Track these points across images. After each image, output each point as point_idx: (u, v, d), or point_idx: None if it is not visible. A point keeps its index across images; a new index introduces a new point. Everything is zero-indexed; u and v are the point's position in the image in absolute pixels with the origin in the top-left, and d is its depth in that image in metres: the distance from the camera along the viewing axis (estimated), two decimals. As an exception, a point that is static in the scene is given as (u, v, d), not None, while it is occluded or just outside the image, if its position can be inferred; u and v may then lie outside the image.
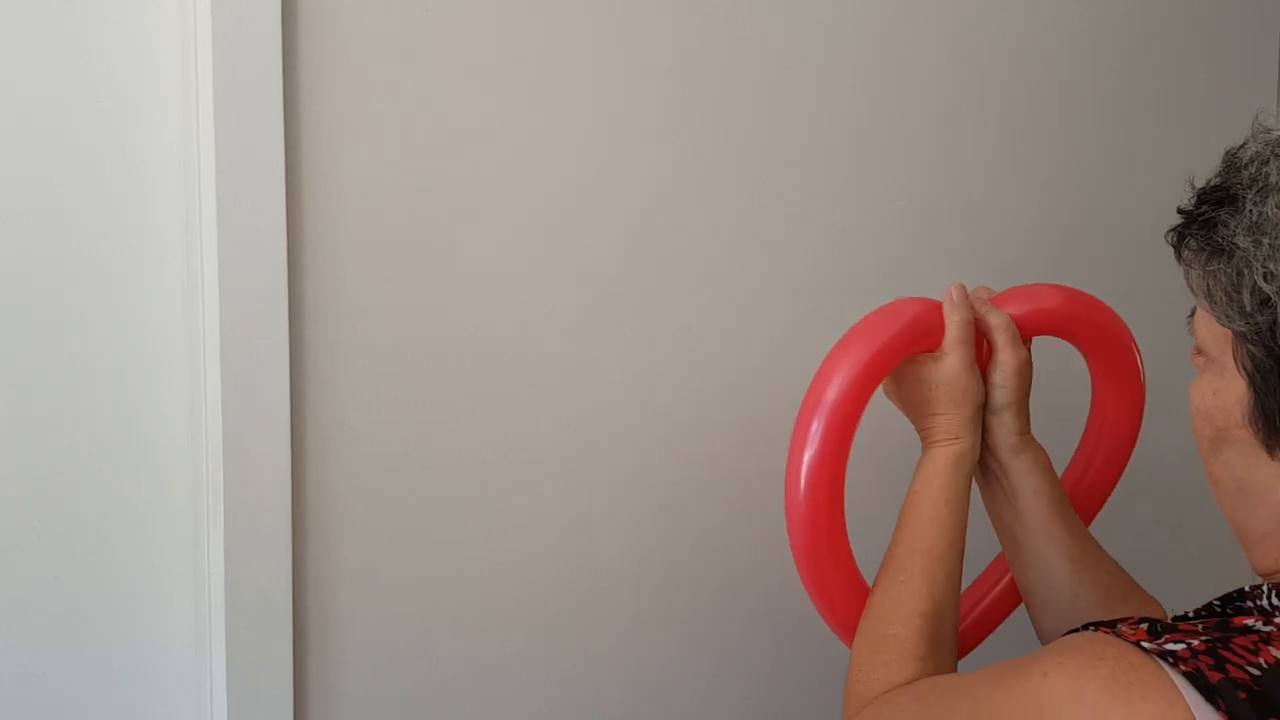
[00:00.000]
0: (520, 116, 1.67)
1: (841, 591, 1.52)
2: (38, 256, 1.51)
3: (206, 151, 1.51)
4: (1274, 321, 1.16)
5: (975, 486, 1.58)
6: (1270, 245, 1.16)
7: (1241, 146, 1.23)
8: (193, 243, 1.55)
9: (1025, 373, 1.55)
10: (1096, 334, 1.61)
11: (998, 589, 1.66)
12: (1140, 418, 1.64)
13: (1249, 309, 1.17)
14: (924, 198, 1.90)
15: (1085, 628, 1.22)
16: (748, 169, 1.79)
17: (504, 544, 1.71)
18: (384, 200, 1.61)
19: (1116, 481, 1.66)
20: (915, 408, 1.55)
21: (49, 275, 1.52)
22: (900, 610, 1.45)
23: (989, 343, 1.55)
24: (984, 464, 1.57)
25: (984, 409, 1.54)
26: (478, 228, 1.66)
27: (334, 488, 1.61)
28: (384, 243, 1.61)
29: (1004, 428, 1.55)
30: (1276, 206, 1.16)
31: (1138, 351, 1.62)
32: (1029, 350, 1.56)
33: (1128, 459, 1.65)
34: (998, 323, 1.55)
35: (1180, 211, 1.25)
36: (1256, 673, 1.11)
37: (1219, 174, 1.23)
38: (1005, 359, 1.54)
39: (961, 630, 1.61)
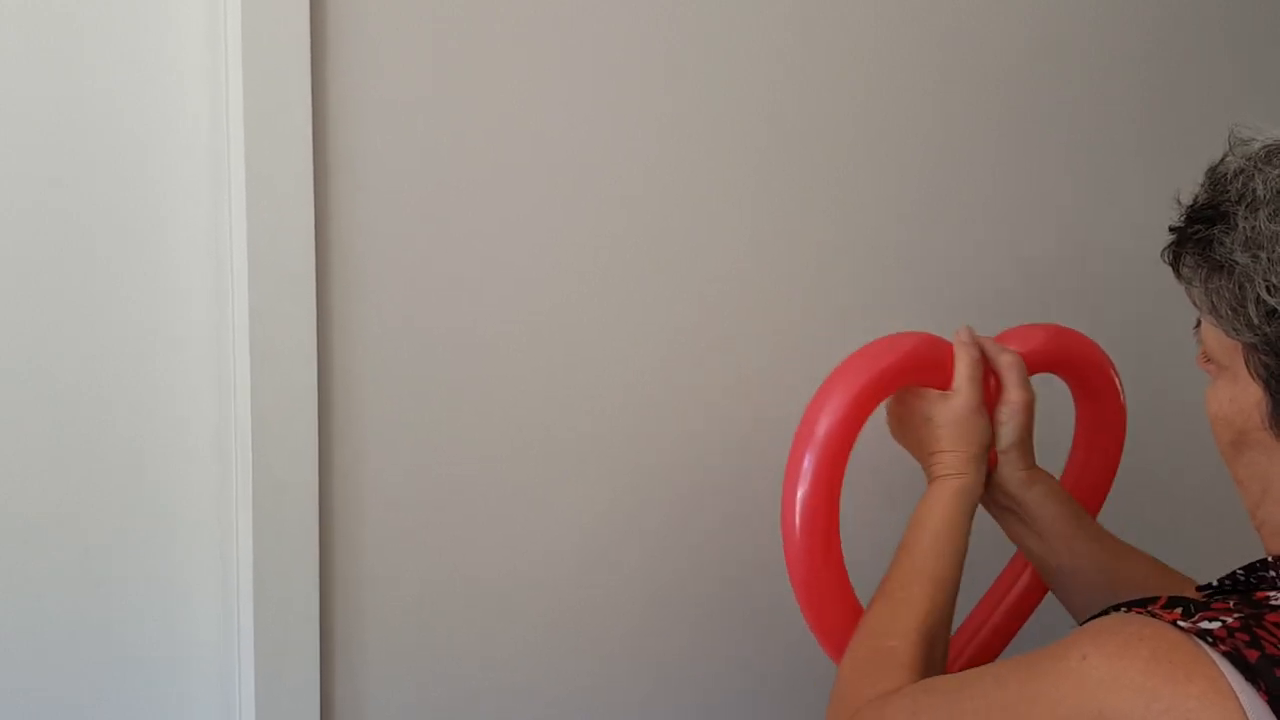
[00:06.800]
0: (543, 117, 1.69)
1: (840, 621, 1.54)
2: (63, 244, 1.52)
3: (235, 139, 1.53)
4: None
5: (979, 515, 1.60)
6: (1269, 259, 1.18)
7: (1222, 161, 1.25)
8: (221, 234, 1.56)
9: (1031, 411, 1.58)
10: (1082, 365, 1.68)
11: (1004, 605, 1.72)
12: (1123, 439, 1.70)
13: (1256, 321, 1.20)
14: (929, 199, 1.92)
15: (1116, 609, 1.22)
16: (759, 173, 1.81)
17: (527, 538, 1.74)
18: (410, 193, 1.62)
19: (1104, 499, 1.71)
20: (921, 444, 1.57)
21: (74, 263, 1.52)
22: (898, 626, 1.45)
23: (998, 381, 1.58)
24: (998, 502, 1.60)
25: (990, 448, 1.56)
26: (501, 221, 1.68)
27: (360, 483, 1.63)
28: (411, 236, 1.63)
29: (1011, 465, 1.58)
30: (1268, 219, 1.19)
31: (1117, 375, 1.69)
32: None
33: (1114, 475, 1.71)
34: (1009, 361, 1.58)
35: (1172, 229, 1.28)
36: None
37: (1204, 190, 1.26)
38: (1014, 397, 1.57)
39: (976, 648, 1.68)
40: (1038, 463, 1.62)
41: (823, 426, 1.52)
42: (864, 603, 1.54)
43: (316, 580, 1.60)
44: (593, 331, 1.75)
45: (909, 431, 1.59)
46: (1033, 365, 1.61)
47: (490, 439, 1.71)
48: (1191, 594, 1.33)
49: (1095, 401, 1.70)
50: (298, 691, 1.60)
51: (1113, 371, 1.69)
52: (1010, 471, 1.58)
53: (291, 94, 1.54)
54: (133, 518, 1.58)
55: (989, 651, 1.69)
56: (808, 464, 1.51)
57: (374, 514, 1.65)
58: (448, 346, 1.67)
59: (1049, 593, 1.66)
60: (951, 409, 1.55)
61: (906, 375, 1.56)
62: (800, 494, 1.52)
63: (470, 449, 1.70)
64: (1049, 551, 1.59)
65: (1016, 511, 1.60)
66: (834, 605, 1.55)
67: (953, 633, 1.67)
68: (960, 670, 1.52)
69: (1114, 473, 1.71)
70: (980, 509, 1.60)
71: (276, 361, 1.56)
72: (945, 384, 1.56)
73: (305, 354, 1.57)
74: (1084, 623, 1.24)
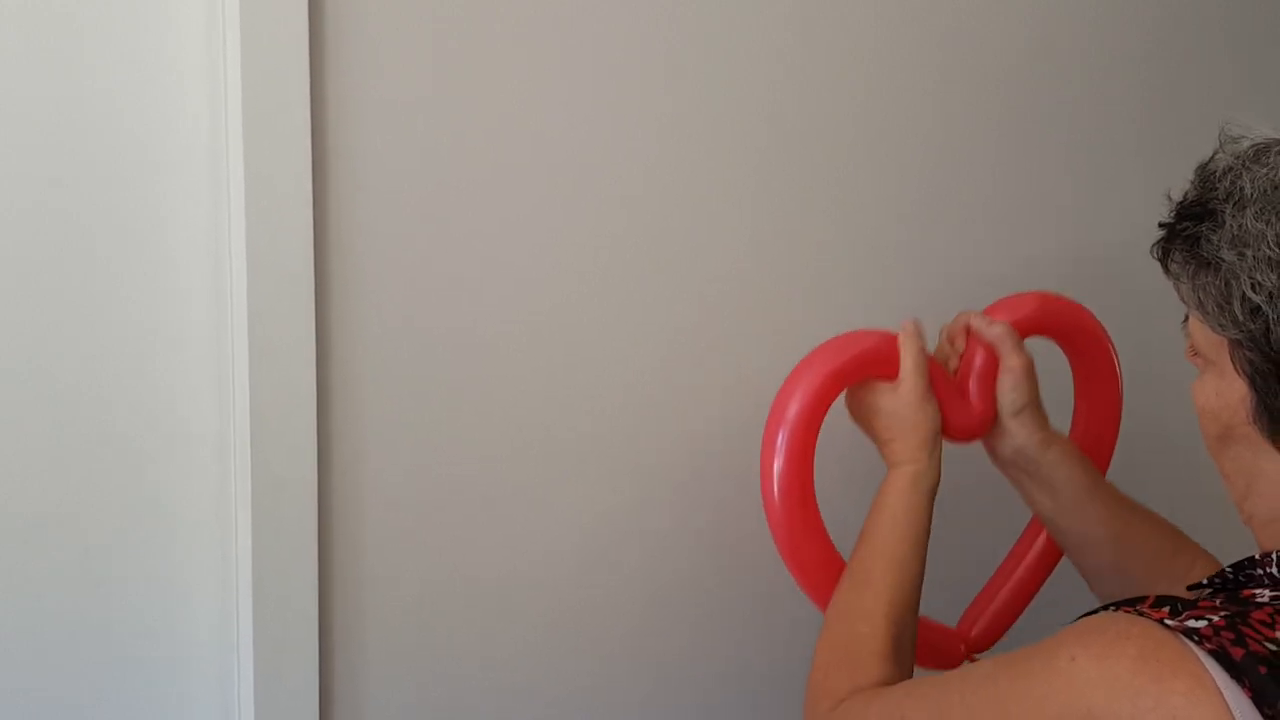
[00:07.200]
0: (543, 117, 1.69)
1: (824, 575, 1.61)
2: (63, 244, 1.52)
3: (235, 139, 1.53)
4: (1267, 328, 1.20)
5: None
6: (1254, 256, 1.20)
7: (1211, 159, 1.26)
8: (221, 234, 1.56)
9: (1032, 374, 1.61)
10: (1073, 328, 1.73)
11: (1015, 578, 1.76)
12: (1120, 402, 1.75)
13: (1241, 318, 1.21)
14: (929, 199, 1.93)
15: (1105, 608, 1.24)
16: (759, 173, 1.82)
17: (527, 538, 1.74)
18: (410, 193, 1.63)
19: (1110, 455, 1.75)
20: (874, 433, 1.61)
21: (74, 263, 1.52)
22: (863, 608, 1.49)
23: (994, 353, 1.62)
24: (1016, 464, 1.63)
25: (940, 433, 1.60)
26: (501, 221, 1.68)
27: (360, 482, 1.64)
28: (410, 235, 1.63)
29: (1025, 428, 1.61)
30: (1254, 218, 1.20)
31: (1109, 340, 1.74)
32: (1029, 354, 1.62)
33: (1116, 429, 1.76)
34: (1000, 332, 1.61)
35: (1161, 225, 1.29)
36: (1274, 647, 1.14)
37: (1194, 187, 1.27)
38: (1013, 364, 1.61)
39: (996, 609, 1.73)
40: None
41: (792, 409, 1.59)
42: (845, 556, 1.60)
43: (315, 580, 1.61)
44: (593, 331, 1.75)
45: (863, 422, 1.63)
46: (1023, 331, 1.66)
47: (490, 439, 1.71)
48: (1200, 564, 1.41)
49: (1088, 359, 1.75)
50: (297, 691, 1.61)
51: (1101, 330, 1.74)
52: (1026, 435, 1.61)
53: (291, 94, 1.54)
54: (132, 517, 1.58)
55: (1008, 614, 1.74)
56: (781, 439, 1.59)
57: (374, 513, 1.65)
58: (448, 346, 1.67)
59: (1063, 557, 1.71)
60: (897, 398, 1.58)
61: (861, 371, 1.62)
62: (776, 465, 1.59)
63: (470, 449, 1.70)
64: (1060, 513, 1.62)
65: (1031, 473, 1.63)
66: (816, 560, 1.62)
67: (973, 598, 1.76)
68: (958, 662, 1.63)
69: (1116, 426, 1.76)
70: (1001, 477, 1.66)
71: (275, 361, 1.56)
72: (895, 376, 1.61)
73: (304, 354, 1.58)
74: (1075, 621, 1.25)
